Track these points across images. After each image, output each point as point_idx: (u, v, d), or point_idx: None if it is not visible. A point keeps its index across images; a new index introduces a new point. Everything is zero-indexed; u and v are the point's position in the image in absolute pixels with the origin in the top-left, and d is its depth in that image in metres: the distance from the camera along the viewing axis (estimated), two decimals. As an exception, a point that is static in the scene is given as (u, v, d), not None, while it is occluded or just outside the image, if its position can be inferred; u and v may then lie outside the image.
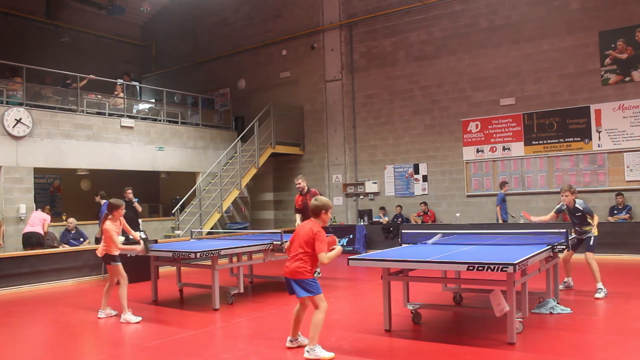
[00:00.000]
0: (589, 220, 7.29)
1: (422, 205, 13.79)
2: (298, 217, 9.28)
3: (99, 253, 6.60)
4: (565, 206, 7.41)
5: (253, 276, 9.18)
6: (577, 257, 7.66)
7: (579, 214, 7.30)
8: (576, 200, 7.34)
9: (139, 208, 11.86)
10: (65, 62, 15.68)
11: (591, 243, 7.22)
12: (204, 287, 7.87)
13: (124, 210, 6.73)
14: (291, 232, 12.76)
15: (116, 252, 6.52)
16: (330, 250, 4.69)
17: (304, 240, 4.72)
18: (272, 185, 17.10)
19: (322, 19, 15.88)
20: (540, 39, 12.55)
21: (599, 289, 7.02)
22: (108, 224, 6.51)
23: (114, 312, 6.71)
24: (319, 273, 9.30)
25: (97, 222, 11.56)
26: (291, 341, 4.96)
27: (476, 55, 13.39)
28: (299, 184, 9.38)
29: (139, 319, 6.36)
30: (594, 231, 7.27)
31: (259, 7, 17.35)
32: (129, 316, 6.35)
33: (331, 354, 4.59)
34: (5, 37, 16.36)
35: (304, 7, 16.32)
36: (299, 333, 4.97)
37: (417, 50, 14.28)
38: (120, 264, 6.55)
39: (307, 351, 4.59)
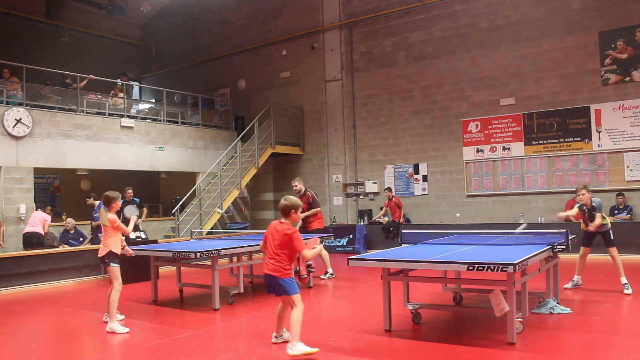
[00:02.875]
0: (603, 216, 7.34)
1: (387, 191, 13.87)
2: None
3: (100, 254, 6.22)
4: (584, 206, 7.38)
5: (253, 276, 9.17)
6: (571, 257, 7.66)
7: (595, 212, 7.30)
8: (592, 199, 7.36)
9: (144, 211, 12.09)
10: (65, 62, 15.68)
11: (612, 237, 7.28)
12: (204, 287, 7.86)
13: (121, 202, 6.51)
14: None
15: (118, 251, 6.22)
16: (312, 248, 5.00)
17: (278, 243, 4.87)
18: (272, 185, 17.09)
19: (322, 19, 15.87)
20: (540, 39, 12.54)
21: (625, 284, 7.13)
22: (111, 215, 6.22)
23: (120, 316, 6.38)
24: (332, 274, 9.35)
25: (90, 222, 11.64)
26: (276, 337, 5.22)
27: (476, 55, 13.39)
28: (295, 186, 9.43)
29: (127, 330, 5.95)
30: (607, 222, 7.33)
31: (259, 7, 17.34)
32: (115, 325, 5.93)
33: (315, 349, 4.72)
34: (5, 37, 16.35)
35: (304, 7, 16.32)
36: (283, 329, 5.19)
37: (417, 50, 14.28)
38: (119, 267, 6.19)
39: (290, 348, 4.69)
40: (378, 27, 14.92)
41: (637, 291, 7.40)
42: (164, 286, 8.32)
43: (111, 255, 6.20)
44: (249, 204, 16.61)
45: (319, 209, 9.41)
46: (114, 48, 19.86)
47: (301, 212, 9.29)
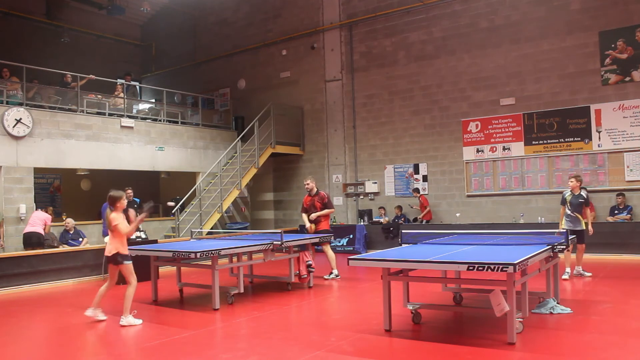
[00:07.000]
0: None
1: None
2: (304, 216, 9.46)
3: (108, 252, 6.29)
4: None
5: (253, 276, 9.17)
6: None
7: None
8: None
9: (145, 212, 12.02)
10: (65, 62, 15.67)
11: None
12: (204, 287, 7.86)
13: (126, 201, 6.55)
14: (292, 232, 12.72)
15: (126, 251, 6.28)
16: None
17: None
18: (272, 185, 17.09)
19: (322, 19, 15.87)
20: (540, 39, 12.54)
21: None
22: (113, 215, 6.25)
23: (102, 317, 6.42)
24: (337, 275, 9.34)
25: (101, 221, 11.60)
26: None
27: (476, 55, 13.39)
28: (308, 184, 9.47)
29: (140, 321, 6.18)
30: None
31: (259, 7, 17.34)
32: (131, 319, 6.15)
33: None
34: (5, 37, 16.35)
35: (304, 7, 16.32)
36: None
37: (417, 50, 14.28)
38: (131, 263, 6.29)
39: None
40: (378, 27, 14.92)
41: (637, 292, 7.41)
42: (164, 286, 8.33)
43: (118, 256, 6.26)
44: (249, 204, 16.61)
45: (332, 209, 9.71)
46: (114, 48, 19.86)
47: (315, 212, 9.33)
